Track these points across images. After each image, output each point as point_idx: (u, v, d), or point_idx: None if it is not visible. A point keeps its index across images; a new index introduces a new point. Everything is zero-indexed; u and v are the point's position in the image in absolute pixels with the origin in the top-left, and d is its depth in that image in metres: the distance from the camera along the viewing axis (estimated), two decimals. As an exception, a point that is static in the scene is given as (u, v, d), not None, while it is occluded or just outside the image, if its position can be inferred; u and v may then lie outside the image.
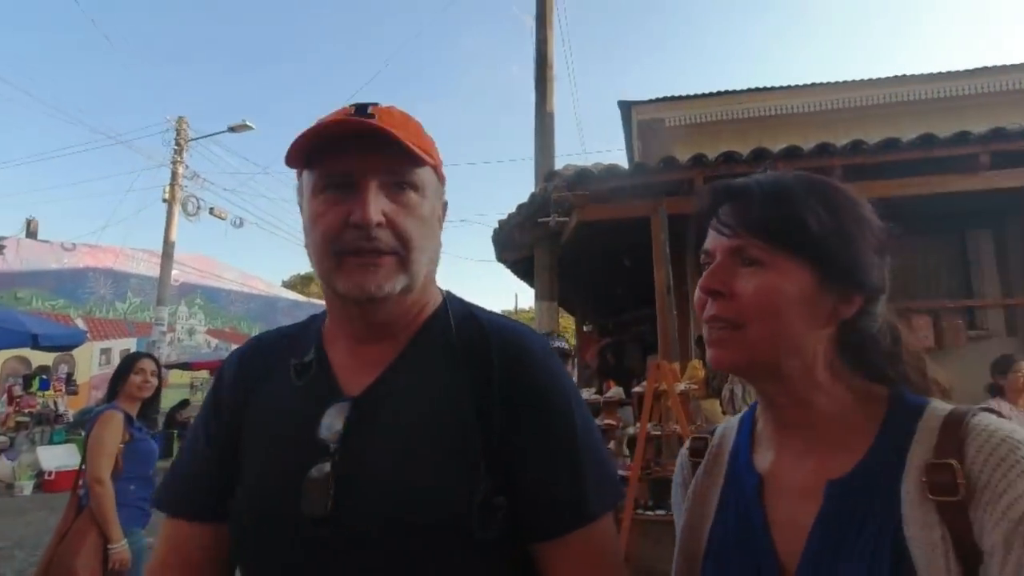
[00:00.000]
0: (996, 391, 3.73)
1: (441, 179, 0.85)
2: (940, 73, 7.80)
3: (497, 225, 6.92)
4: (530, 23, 8.49)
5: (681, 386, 4.31)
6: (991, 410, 0.62)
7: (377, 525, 0.70)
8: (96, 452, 2.51)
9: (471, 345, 0.79)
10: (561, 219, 5.55)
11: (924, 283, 5.93)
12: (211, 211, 14.96)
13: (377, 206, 0.73)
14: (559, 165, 6.91)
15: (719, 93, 8.30)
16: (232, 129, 14.48)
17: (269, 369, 0.85)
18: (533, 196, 6.01)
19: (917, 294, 5.72)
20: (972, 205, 5.20)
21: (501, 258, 7.74)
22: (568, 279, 7.09)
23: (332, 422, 0.75)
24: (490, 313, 0.86)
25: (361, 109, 0.75)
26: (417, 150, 0.75)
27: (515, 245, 6.95)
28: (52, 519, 6.86)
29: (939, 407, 0.63)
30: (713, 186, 0.72)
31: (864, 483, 0.61)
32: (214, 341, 19.13)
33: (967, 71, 7.71)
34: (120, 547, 2.46)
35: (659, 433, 4.39)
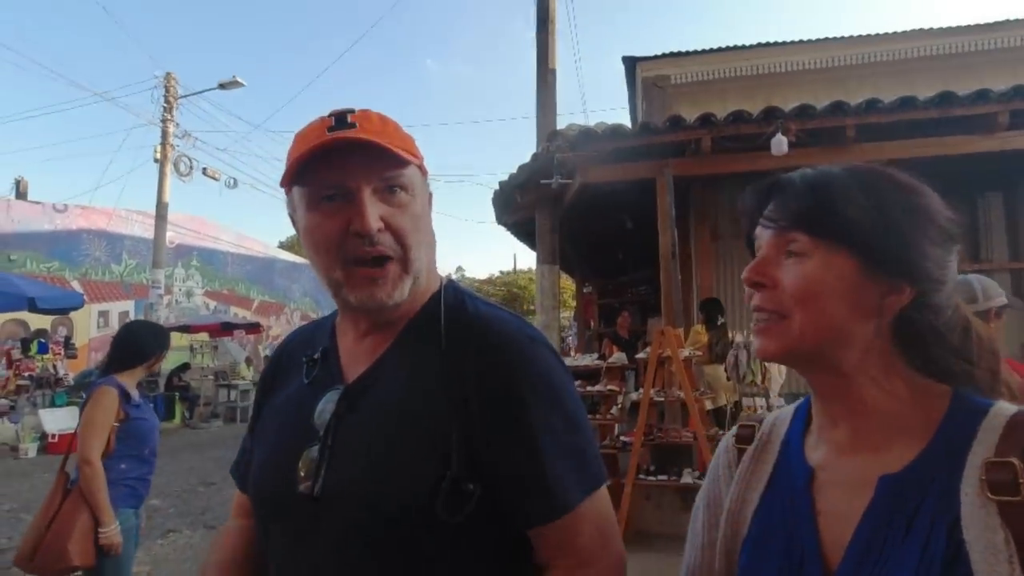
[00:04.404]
0: None
1: (424, 173, 0.87)
2: (957, 27, 7.55)
3: (498, 186, 6.79)
4: (531, -25, 8.11)
5: (685, 352, 4.28)
6: None
7: (355, 505, 0.75)
8: (87, 432, 2.38)
9: (455, 335, 0.82)
10: (564, 181, 5.41)
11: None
12: (204, 171, 14.64)
13: (375, 212, 0.77)
14: (561, 124, 6.72)
15: (727, 48, 8.08)
16: (222, 86, 14.01)
17: (293, 361, 0.95)
18: (535, 156, 5.87)
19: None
20: (985, 167, 5.07)
21: (501, 220, 7.63)
22: (569, 240, 7.00)
23: (324, 408, 0.82)
24: (483, 303, 0.89)
25: (341, 120, 0.78)
26: (402, 153, 0.79)
27: (516, 207, 6.83)
28: (57, 481, 6.98)
29: (1005, 408, 0.62)
30: (758, 184, 0.73)
31: (918, 480, 0.60)
32: (212, 303, 19.05)
33: (985, 25, 7.45)
34: (110, 531, 2.34)
35: (662, 399, 4.38)
